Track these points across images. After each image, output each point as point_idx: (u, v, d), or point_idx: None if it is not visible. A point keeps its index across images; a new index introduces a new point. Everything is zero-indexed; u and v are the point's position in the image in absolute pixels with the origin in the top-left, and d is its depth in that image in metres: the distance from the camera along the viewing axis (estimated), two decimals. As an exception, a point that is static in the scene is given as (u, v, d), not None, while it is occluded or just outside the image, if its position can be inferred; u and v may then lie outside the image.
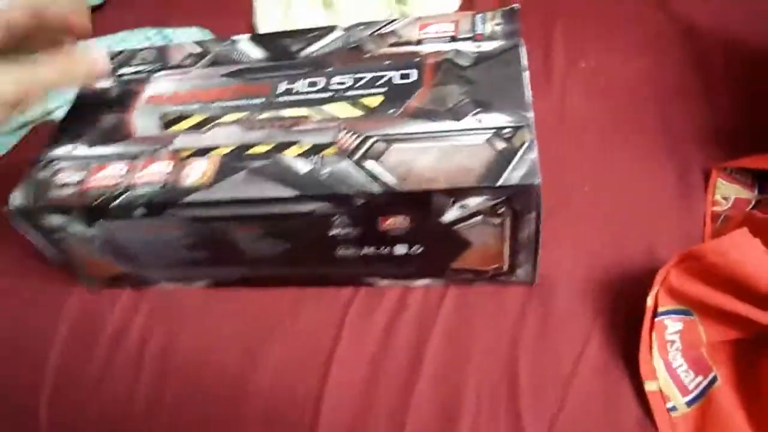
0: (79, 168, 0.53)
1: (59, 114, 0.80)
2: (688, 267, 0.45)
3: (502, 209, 0.45)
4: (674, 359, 0.46)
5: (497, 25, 0.55)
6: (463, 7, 0.78)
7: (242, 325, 0.56)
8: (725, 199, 0.53)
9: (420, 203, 0.45)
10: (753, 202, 0.53)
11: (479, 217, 0.46)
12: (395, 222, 0.47)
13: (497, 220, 0.46)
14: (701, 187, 0.55)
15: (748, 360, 0.45)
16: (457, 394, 0.50)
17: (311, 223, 0.48)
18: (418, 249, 0.50)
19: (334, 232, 0.49)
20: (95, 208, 0.50)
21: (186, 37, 0.86)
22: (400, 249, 0.50)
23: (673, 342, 0.46)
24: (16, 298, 0.63)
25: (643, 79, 0.65)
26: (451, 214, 0.46)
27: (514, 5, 0.57)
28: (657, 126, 0.60)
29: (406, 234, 0.48)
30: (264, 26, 0.79)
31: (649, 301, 0.46)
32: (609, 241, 0.54)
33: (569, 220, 0.55)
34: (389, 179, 0.45)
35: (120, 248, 0.54)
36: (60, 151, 0.55)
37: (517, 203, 0.45)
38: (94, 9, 0.96)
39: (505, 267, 0.51)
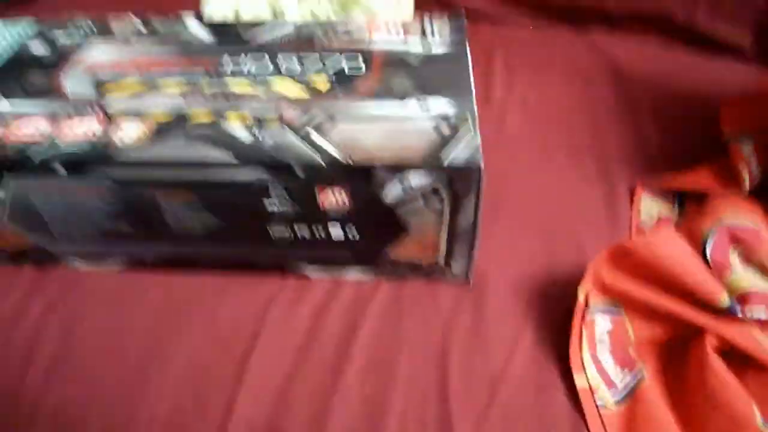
0: (-2, 122, 0.49)
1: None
2: (618, 263, 0.46)
3: (443, 191, 0.45)
4: (602, 355, 0.46)
5: (444, 31, 0.57)
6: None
7: (153, 316, 0.52)
8: (650, 216, 0.56)
9: (362, 178, 0.45)
10: (675, 220, 0.56)
11: (419, 199, 0.46)
12: (335, 198, 0.46)
13: (437, 203, 0.46)
14: (627, 202, 0.58)
15: (674, 356, 0.45)
16: (384, 392, 0.47)
17: (247, 194, 0.46)
18: (354, 232, 0.49)
19: (269, 206, 0.47)
20: (11, 161, 0.46)
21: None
22: (336, 231, 0.49)
23: (602, 340, 0.47)
24: None
25: (575, 107, 0.69)
26: (392, 193, 0.45)
27: (460, 15, 0.59)
28: (588, 147, 0.63)
29: (344, 214, 0.47)
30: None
31: (580, 296, 0.47)
32: (540, 248, 0.55)
33: (504, 226, 0.56)
34: (333, 152, 0.44)
35: (31, 213, 0.50)
36: (-22, 104, 0.51)
37: (458, 185, 0.45)
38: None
39: (441, 259, 0.50)
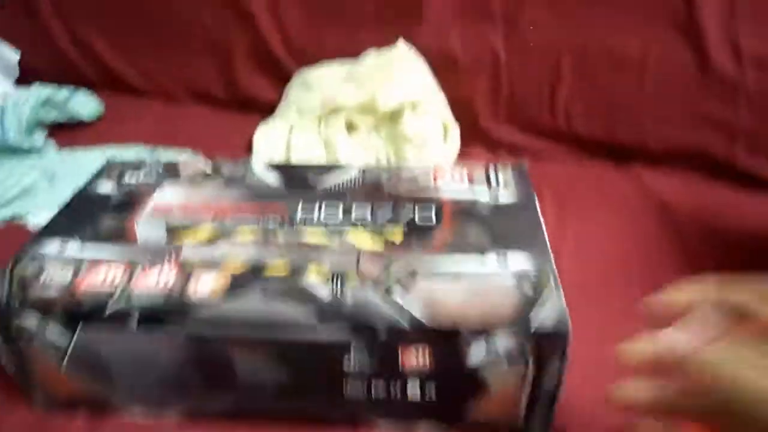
0: (69, 266, 0.49)
1: (29, 218, 0.76)
2: None
3: (528, 353, 0.44)
4: None
5: (510, 179, 0.58)
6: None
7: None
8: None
9: (446, 340, 0.44)
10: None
11: (503, 362, 0.44)
12: (417, 359, 0.45)
13: (521, 365, 0.45)
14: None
15: None
16: None
17: (325, 352, 0.45)
18: (432, 390, 0.47)
19: (347, 364, 0.46)
20: (82, 312, 0.46)
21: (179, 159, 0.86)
22: (414, 389, 0.47)
23: None
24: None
25: (627, 242, 0.69)
26: (476, 355, 0.44)
27: (522, 164, 0.61)
28: (645, 284, 0.63)
29: (425, 374, 0.46)
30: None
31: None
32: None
33: (578, 377, 0.54)
34: (417, 312, 0.44)
35: (96, 361, 0.48)
36: (48, 248, 0.51)
37: (544, 348, 0.44)
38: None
39: (520, 419, 0.48)
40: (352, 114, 0.79)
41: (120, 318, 0.45)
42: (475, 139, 0.83)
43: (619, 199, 0.77)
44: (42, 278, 0.48)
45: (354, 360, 0.45)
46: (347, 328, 0.44)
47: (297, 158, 0.80)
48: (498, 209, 0.54)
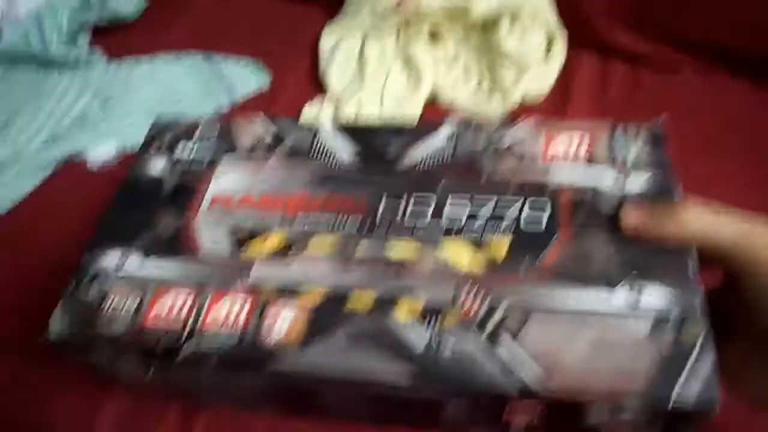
0: (134, 290, 0.44)
1: (88, 153, 0.70)
2: None
3: (659, 426, 0.37)
4: None
5: (641, 150, 0.46)
6: (558, 89, 0.67)
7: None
8: None
9: (562, 406, 0.37)
10: None
11: (628, 426, 0.38)
12: (524, 417, 0.39)
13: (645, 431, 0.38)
14: None
15: None
16: None
17: (419, 404, 0.40)
18: (539, 437, 0.42)
19: (443, 415, 0.41)
20: (152, 353, 0.42)
21: (238, 71, 0.76)
22: (518, 433, 0.42)
23: None
24: (41, 396, 0.54)
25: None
26: (596, 419, 0.38)
27: (657, 124, 0.47)
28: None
29: (531, 428, 0.41)
30: (334, 79, 0.68)
31: None
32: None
33: None
34: (529, 374, 0.37)
35: (178, 384, 0.46)
36: (108, 261, 0.46)
37: (678, 424, 0.37)
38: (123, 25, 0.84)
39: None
40: (437, 21, 0.64)
41: (194, 360, 0.41)
42: (585, 44, 0.66)
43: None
44: (106, 308, 0.43)
45: (451, 413, 0.40)
46: (445, 389, 0.38)
47: (371, 72, 0.67)
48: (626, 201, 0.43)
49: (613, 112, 0.64)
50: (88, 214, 0.63)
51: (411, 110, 0.64)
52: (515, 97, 0.63)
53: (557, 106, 0.66)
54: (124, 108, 0.73)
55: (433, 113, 0.65)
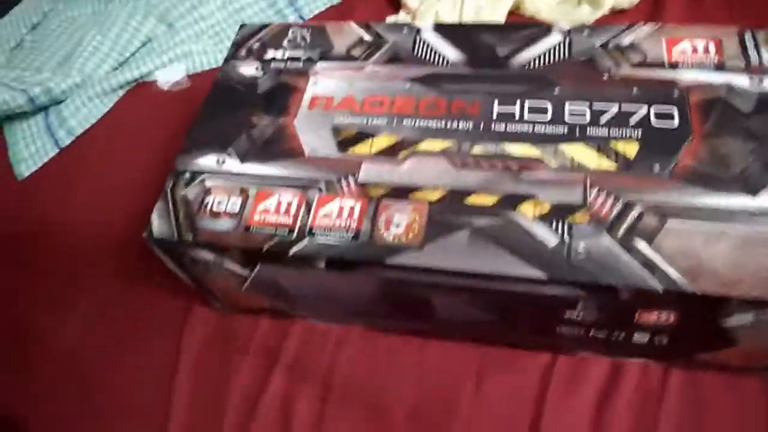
0: (235, 190, 0.42)
1: (158, 76, 0.68)
2: None
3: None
4: None
5: (776, 53, 0.43)
6: None
7: (416, 383, 0.47)
8: None
9: (705, 306, 0.35)
10: None
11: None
12: (657, 318, 0.37)
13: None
14: None
15: None
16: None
17: (546, 304, 0.38)
18: (664, 340, 0.40)
19: (568, 314, 0.39)
20: (259, 252, 0.40)
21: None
22: (641, 338, 0.40)
23: None
24: (133, 309, 0.53)
25: None
26: (737, 321, 0.36)
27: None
28: None
29: (661, 329, 0.38)
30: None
31: None
32: None
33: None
34: (673, 274, 0.35)
35: (277, 290, 0.44)
36: (203, 160, 0.44)
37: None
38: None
39: (762, 366, 0.41)
40: None
41: (303, 261, 0.39)
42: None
43: None
44: (208, 205, 0.42)
45: (578, 313, 0.38)
46: (580, 286, 0.36)
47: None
48: (763, 102, 0.40)
49: (709, 19, 0.60)
50: (165, 132, 0.62)
51: (492, 21, 0.61)
52: (606, 3, 0.59)
53: (650, 13, 0.62)
54: (190, 31, 0.71)
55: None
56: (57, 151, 0.64)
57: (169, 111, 0.64)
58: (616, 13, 0.64)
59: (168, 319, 0.52)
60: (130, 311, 0.53)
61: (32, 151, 0.65)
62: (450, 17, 0.62)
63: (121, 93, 0.68)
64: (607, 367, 0.45)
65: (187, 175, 0.44)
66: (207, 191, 0.42)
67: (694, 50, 0.44)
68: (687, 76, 0.42)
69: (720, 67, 0.42)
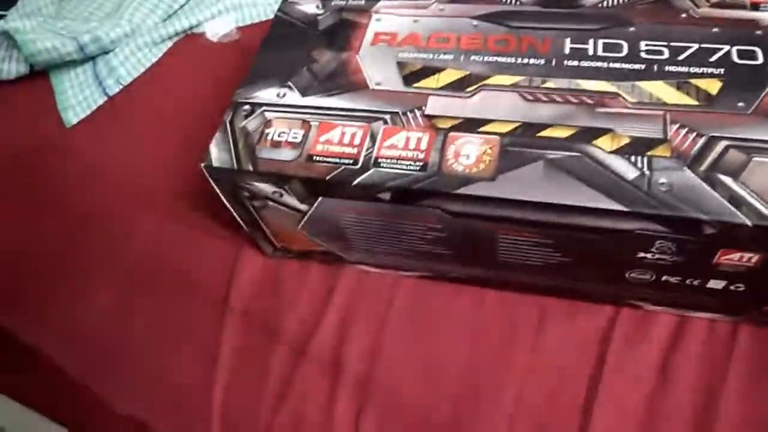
0: (296, 123, 0.41)
1: (206, 27, 0.67)
2: None
3: None
4: None
5: None
6: None
7: (469, 335, 0.46)
8: None
9: (793, 244, 0.34)
10: None
11: None
12: (738, 260, 0.36)
13: None
14: None
15: None
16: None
17: (620, 242, 0.36)
18: (740, 288, 0.38)
19: (643, 255, 0.37)
20: (326, 183, 0.39)
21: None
22: (717, 284, 0.39)
23: None
24: (184, 245, 0.53)
25: None
26: (826, 263, 0.34)
27: None
28: None
29: (740, 274, 0.37)
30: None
31: None
32: None
33: None
34: (763, 209, 0.33)
35: (335, 229, 0.43)
36: (263, 93, 0.43)
37: None
38: None
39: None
40: None
41: (368, 192, 0.38)
42: None
43: None
44: (269, 136, 0.41)
45: (655, 253, 0.37)
46: (661, 221, 0.34)
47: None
48: None
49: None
50: (213, 83, 0.61)
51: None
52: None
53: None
54: (238, -19, 0.70)
55: None
56: (105, 99, 0.64)
57: (218, 62, 0.63)
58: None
59: (220, 258, 0.51)
60: (184, 251, 0.52)
61: (80, 99, 0.64)
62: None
63: (170, 44, 0.67)
64: (673, 321, 0.44)
65: (247, 108, 0.43)
66: (267, 123, 0.42)
67: (777, -10, 0.42)
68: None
69: (805, 6, 0.41)
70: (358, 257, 0.47)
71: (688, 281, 0.39)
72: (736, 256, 0.35)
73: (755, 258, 0.35)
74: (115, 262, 0.54)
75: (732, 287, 0.38)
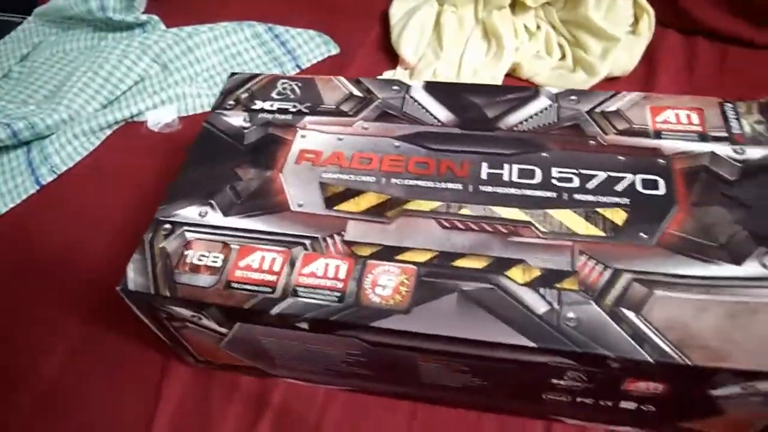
0: (216, 246, 0.41)
1: (148, 116, 0.67)
2: None
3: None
4: None
5: (757, 123, 0.44)
6: (643, 65, 0.65)
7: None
8: None
9: (693, 377, 0.35)
10: None
11: (761, 401, 0.36)
12: (646, 388, 0.37)
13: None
14: None
15: None
16: None
17: (533, 370, 0.37)
18: (651, 408, 0.39)
19: (556, 381, 0.38)
20: (240, 311, 0.39)
21: (303, 41, 0.73)
22: (629, 405, 0.40)
23: None
24: (108, 366, 0.51)
25: None
26: (725, 391, 0.36)
27: (768, 99, 0.45)
28: None
29: (648, 398, 0.38)
30: (408, 49, 0.65)
31: None
32: None
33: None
34: (662, 345, 0.34)
35: (256, 349, 0.43)
36: (185, 212, 0.43)
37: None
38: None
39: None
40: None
41: (286, 321, 0.38)
42: (670, 21, 0.64)
43: None
44: (188, 259, 0.40)
45: (566, 381, 0.38)
46: (569, 355, 0.35)
47: (448, 42, 0.64)
48: (747, 171, 0.41)
49: (699, 89, 0.61)
50: (151, 175, 0.60)
51: (489, 82, 0.62)
52: (602, 72, 0.60)
53: (643, 82, 0.64)
54: (184, 73, 0.70)
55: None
56: (37, 188, 0.62)
57: (157, 153, 0.63)
58: (611, 80, 0.65)
59: (145, 371, 0.49)
60: (107, 358, 0.51)
61: (11, 186, 0.63)
62: (448, 76, 0.63)
63: (108, 132, 0.66)
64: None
65: (167, 227, 0.42)
66: (187, 244, 0.41)
67: (678, 120, 0.45)
68: (671, 145, 0.43)
69: (703, 136, 0.43)
70: (284, 373, 0.47)
71: (601, 402, 0.40)
72: (642, 384, 0.36)
73: (661, 387, 0.36)
74: (41, 363, 0.51)
75: (643, 407, 0.39)
